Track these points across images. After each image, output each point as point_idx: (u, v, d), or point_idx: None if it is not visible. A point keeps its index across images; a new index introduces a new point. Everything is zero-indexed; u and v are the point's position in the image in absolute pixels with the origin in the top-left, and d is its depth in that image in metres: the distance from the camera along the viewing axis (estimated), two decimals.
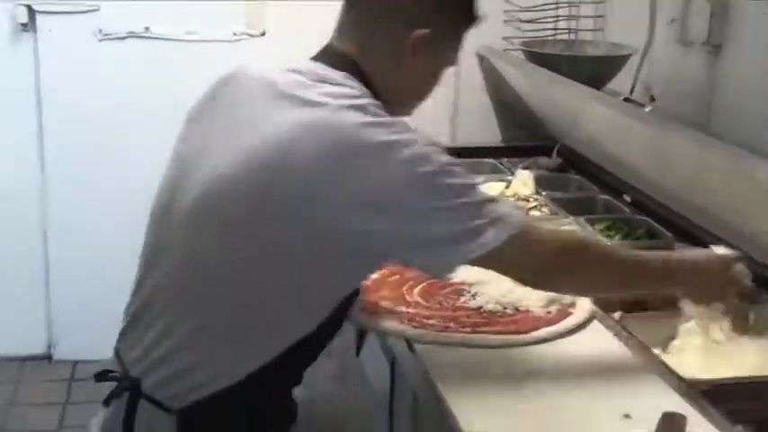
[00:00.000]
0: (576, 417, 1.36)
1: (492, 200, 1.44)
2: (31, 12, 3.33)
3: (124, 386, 1.51)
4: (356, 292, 1.52)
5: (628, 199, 2.44)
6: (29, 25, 3.34)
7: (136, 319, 1.55)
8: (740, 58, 2.43)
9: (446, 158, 1.42)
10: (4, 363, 3.60)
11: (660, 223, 2.26)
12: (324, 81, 1.47)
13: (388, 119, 1.43)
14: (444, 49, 1.59)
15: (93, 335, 3.53)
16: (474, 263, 1.42)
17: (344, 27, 1.58)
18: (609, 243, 1.88)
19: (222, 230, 1.44)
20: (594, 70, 2.65)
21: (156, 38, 3.40)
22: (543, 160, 2.79)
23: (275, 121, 1.41)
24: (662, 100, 2.70)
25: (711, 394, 1.43)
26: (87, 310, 3.55)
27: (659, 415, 1.33)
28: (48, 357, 3.66)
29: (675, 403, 1.39)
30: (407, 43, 1.52)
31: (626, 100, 2.54)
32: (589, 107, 2.40)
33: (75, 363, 3.61)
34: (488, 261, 1.42)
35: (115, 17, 3.36)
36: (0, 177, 3.47)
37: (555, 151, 2.80)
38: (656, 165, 2.20)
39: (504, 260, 1.43)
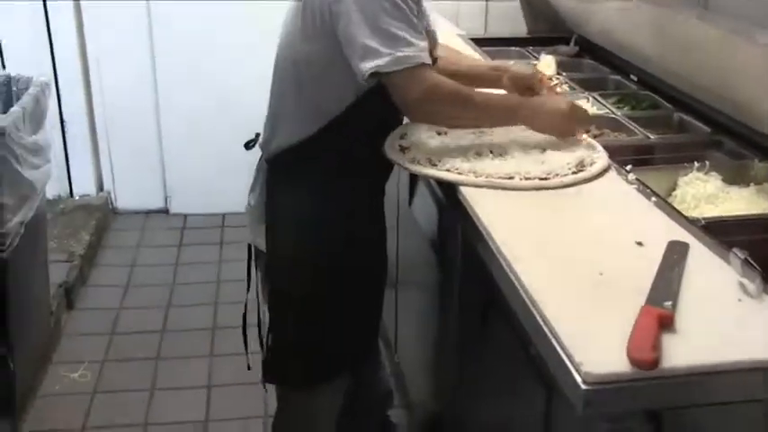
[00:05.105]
0: (597, 243, 1.29)
1: (410, 43, 1.45)
2: None
3: (254, 142, 1.75)
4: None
5: (634, 78, 2.33)
6: None
7: None
8: None
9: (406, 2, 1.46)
10: (133, 215, 3.67)
11: (662, 97, 2.14)
12: None
13: None
14: None
15: (199, 194, 3.58)
16: (374, 77, 1.46)
17: None
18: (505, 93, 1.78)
19: (286, 28, 1.62)
20: None
21: None
22: (563, 48, 2.67)
23: None
24: None
25: (709, 228, 1.36)
26: (193, 175, 3.57)
27: (666, 243, 1.26)
28: (165, 211, 3.71)
29: (680, 235, 1.32)
30: None
31: None
32: None
33: (186, 216, 3.66)
34: (387, 81, 1.47)
35: None
36: (122, 78, 3.48)
37: (573, 40, 2.68)
38: (660, 43, 2.06)
39: (392, 85, 1.48)
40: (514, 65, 1.94)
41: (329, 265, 1.64)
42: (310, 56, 1.56)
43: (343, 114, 1.56)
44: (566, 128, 1.63)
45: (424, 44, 1.49)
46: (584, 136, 1.70)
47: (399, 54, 1.44)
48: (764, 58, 1.50)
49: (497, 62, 1.95)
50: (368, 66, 1.44)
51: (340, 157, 1.61)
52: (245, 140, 1.79)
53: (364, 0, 1.45)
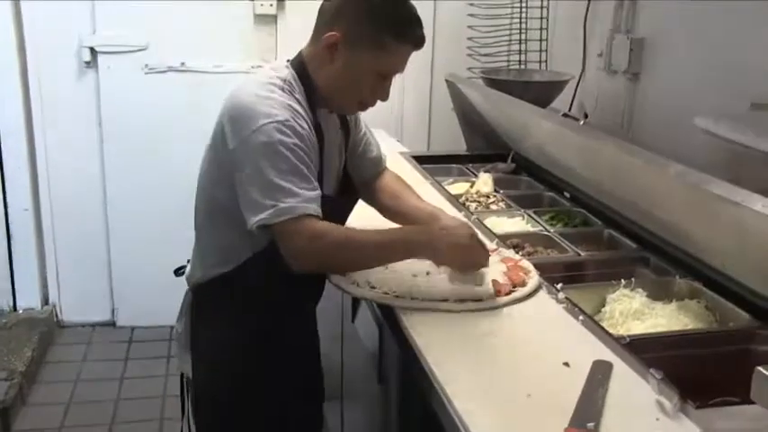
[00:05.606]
0: (526, 364, 1.35)
1: (293, 193, 1.44)
2: (93, 52, 3.39)
3: (180, 273, 1.75)
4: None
5: (567, 195, 2.45)
6: (91, 63, 3.40)
7: None
8: (653, 84, 2.45)
9: (288, 147, 1.45)
10: (78, 328, 3.62)
11: (593, 213, 2.26)
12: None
13: (275, 97, 1.49)
14: (362, 54, 1.50)
15: (146, 305, 3.55)
16: (262, 229, 1.46)
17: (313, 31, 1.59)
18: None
19: (202, 165, 1.63)
20: (540, 93, 2.65)
21: (190, 71, 3.44)
22: (500, 165, 2.78)
23: None
24: (593, 116, 2.72)
25: (632, 346, 1.43)
26: (141, 287, 3.56)
27: (591, 362, 1.33)
28: (112, 323, 3.66)
29: (604, 354, 1.39)
30: (323, 44, 1.51)
31: (565, 116, 2.54)
32: (536, 122, 2.40)
33: (133, 328, 3.62)
34: (273, 232, 1.46)
35: (158, 55, 3.41)
36: (69, 182, 3.51)
37: (509, 158, 2.80)
38: (589, 167, 2.20)
39: (277, 236, 1.47)
40: (446, 216, 1.79)
41: (251, 401, 1.62)
42: (221, 199, 1.56)
43: (259, 254, 1.55)
44: (467, 262, 1.57)
45: (311, 193, 1.46)
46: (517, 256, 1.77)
47: (282, 205, 1.43)
48: (678, 187, 1.62)
49: (435, 210, 1.80)
50: (254, 219, 1.44)
51: (261, 290, 1.61)
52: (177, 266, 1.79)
53: (253, 152, 1.44)
